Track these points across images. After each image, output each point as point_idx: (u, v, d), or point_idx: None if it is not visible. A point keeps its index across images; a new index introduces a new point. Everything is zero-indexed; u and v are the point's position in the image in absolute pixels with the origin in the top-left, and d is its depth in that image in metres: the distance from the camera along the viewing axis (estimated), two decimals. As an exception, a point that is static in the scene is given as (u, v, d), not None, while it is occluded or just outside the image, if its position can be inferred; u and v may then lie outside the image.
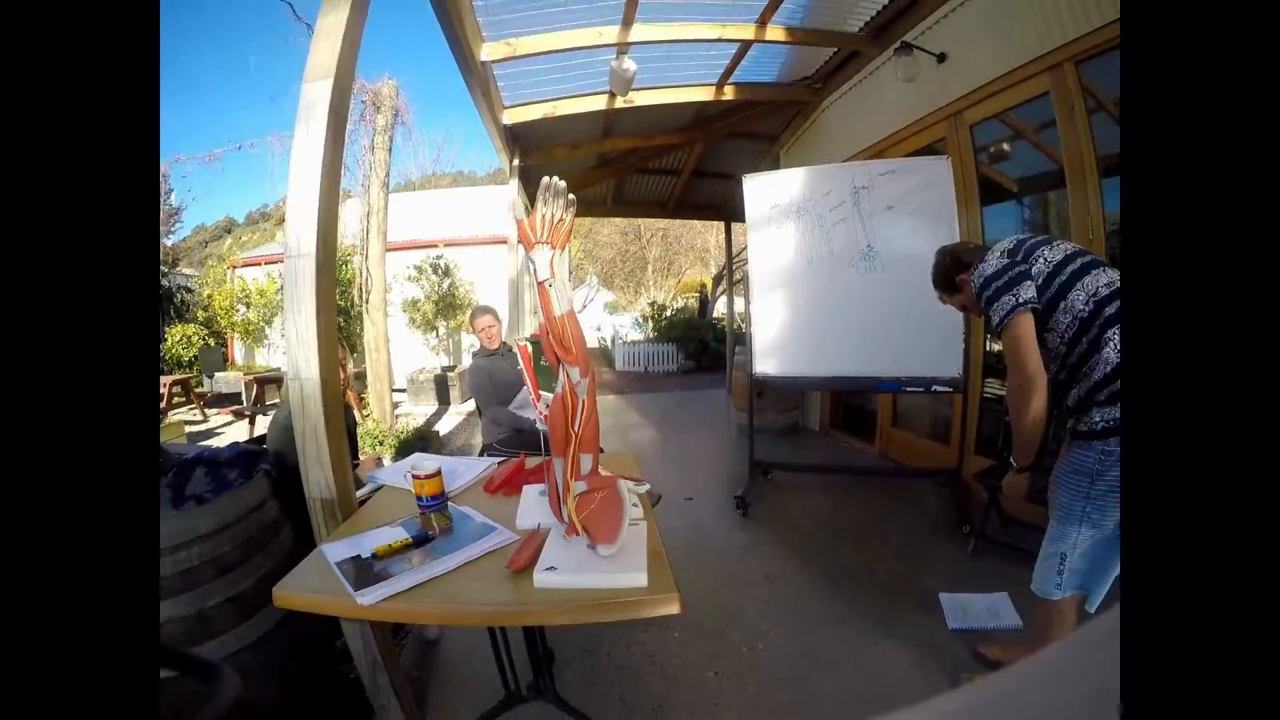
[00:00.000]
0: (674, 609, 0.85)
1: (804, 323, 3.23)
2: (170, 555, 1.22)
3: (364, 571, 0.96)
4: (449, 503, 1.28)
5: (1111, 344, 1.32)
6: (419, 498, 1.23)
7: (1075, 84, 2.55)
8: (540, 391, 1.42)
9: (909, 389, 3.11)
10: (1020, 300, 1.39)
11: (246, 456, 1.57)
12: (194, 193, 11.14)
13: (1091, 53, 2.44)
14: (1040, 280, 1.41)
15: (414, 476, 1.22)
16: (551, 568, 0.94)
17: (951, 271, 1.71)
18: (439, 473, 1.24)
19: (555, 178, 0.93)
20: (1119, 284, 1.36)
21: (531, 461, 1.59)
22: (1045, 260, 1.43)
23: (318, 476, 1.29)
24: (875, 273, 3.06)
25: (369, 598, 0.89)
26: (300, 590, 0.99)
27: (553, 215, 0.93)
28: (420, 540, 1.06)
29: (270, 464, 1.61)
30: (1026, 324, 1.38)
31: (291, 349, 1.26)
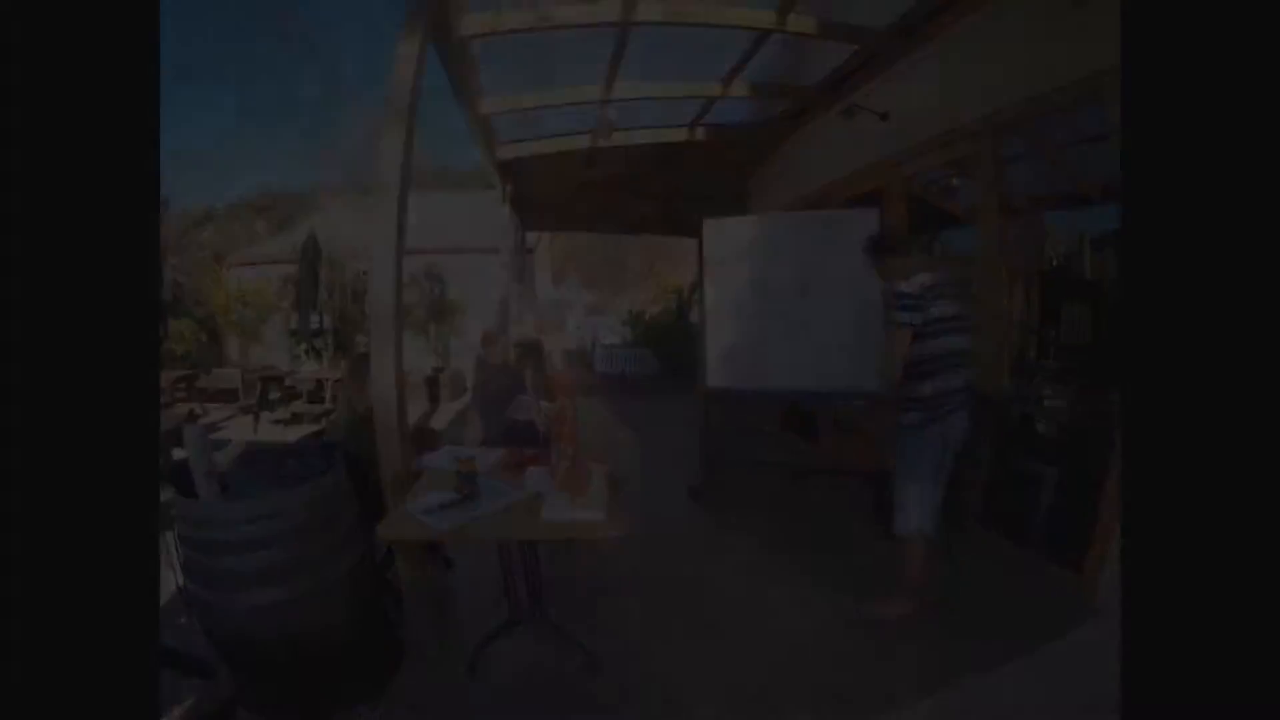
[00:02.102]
0: (623, 531, 1.51)
1: (750, 345, 3.90)
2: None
3: (439, 514, 1.59)
4: (480, 477, 1.90)
5: (939, 377, 2.12)
6: (461, 474, 1.84)
7: (994, 151, 3.14)
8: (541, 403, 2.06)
9: (836, 402, 3.78)
10: (910, 322, 2.13)
11: (324, 448, 2.14)
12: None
13: (1009, 126, 3.04)
14: (926, 319, 2.13)
15: (459, 460, 1.84)
16: (552, 509, 1.59)
17: (884, 248, 2.41)
18: (475, 459, 1.87)
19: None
20: (964, 347, 2.19)
21: (529, 453, 2.22)
22: (938, 311, 2.15)
23: (393, 457, 1.91)
24: (810, 306, 3.73)
25: (444, 525, 1.52)
26: (397, 528, 1.61)
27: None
28: (469, 497, 1.69)
29: (342, 455, 2.19)
30: (908, 337, 2.13)
31: (376, 373, 1.88)
